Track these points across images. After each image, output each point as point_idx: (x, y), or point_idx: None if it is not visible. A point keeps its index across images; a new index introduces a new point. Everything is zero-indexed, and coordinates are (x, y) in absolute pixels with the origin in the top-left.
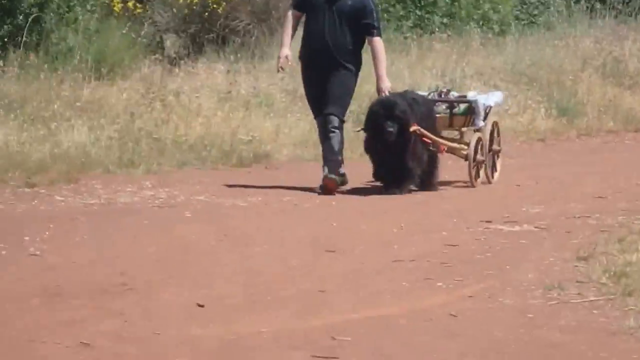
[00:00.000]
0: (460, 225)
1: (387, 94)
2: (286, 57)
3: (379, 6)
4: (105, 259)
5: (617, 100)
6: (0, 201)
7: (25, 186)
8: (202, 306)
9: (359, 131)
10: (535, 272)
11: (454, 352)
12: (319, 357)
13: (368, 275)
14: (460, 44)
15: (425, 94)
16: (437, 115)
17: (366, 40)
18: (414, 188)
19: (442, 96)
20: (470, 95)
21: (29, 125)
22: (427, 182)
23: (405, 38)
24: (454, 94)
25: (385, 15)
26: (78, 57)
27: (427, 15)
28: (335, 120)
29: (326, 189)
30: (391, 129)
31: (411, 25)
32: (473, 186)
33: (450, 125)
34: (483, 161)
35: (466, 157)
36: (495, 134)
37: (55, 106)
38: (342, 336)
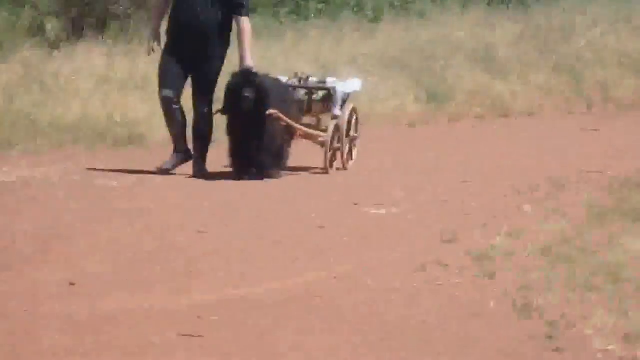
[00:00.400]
0: (329, 207)
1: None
2: (157, 38)
3: None
4: None
5: (486, 87)
6: None
7: None
8: (73, 284)
9: (216, 113)
10: (400, 253)
11: (317, 330)
12: (185, 335)
13: (237, 255)
14: (335, 30)
15: (284, 78)
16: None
17: (234, 20)
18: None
19: (302, 82)
20: (329, 82)
21: None
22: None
23: (281, 24)
24: (313, 80)
25: (261, 1)
26: None
27: (303, 2)
28: (204, 107)
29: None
30: (248, 95)
31: (287, 11)
32: (327, 172)
33: (309, 112)
34: (339, 148)
35: (323, 144)
36: (353, 121)
37: None
38: (209, 315)
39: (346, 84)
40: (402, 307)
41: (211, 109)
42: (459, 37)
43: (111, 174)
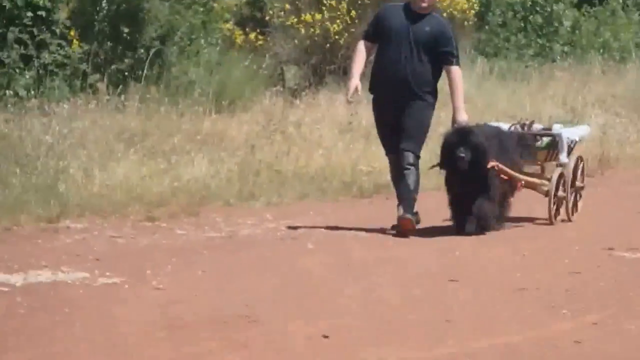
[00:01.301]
0: (583, 252)
1: (464, 122)
2: (356, 87)
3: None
4: (228, 292)
5: None
6: (121, 235)
7: (146, 220)
8: (326, 337)
9: (432, 168)
10: None
11: None
12: None
13: (492, 303)
14: (581, 72)
15: (506, 126)
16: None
17: (444, 70)
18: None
19: (525, 129)
20: (555, 128)
21: (149, 159)
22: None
23: (527, 67)
24: (537, 127)
25: (506, 44)
26: (199, 90)
27: (548, 44)
28: (410, 157)
29: (402, 229)
30: (463, 155)
31: (532, 53)
32: (551, 224)
33: (532, 159)
34: (564, 198)
35: (546, 193)
36: (579, 170)
37: (176, 139)
38: None
39: (572, 130)
40: None
41: (418, 162)
42: None
43: (358, 224)
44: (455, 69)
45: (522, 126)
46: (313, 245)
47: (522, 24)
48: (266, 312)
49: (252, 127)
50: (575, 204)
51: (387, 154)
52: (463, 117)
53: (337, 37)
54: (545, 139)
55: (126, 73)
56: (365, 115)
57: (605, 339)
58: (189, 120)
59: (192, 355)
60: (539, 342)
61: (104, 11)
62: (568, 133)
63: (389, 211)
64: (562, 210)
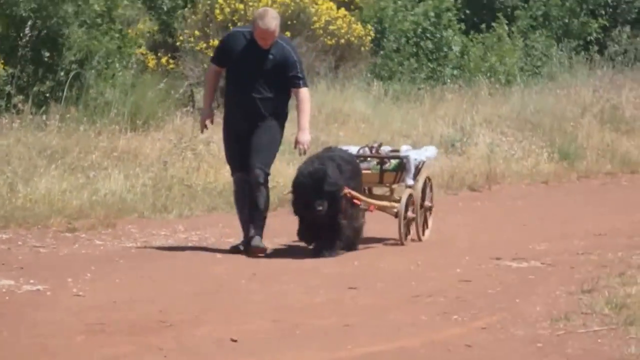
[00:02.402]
0: (473, 262)
1: (306, 147)
2: (210, 116)
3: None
4: (143, 298)
5: (615, 145)
6: (43, 245)
7: (66, 231)
8: (235, 341)
9: (287, 194)
10: (543, 305)
11: None
12: None
13: (390, 309)
14: (469, 94)
15: (356, 149)
16: (367, 172)
17: (292, 92)
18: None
19: (373, 151)
20: (403, 150)
21: (69, 174)
22: (351, 241)
23: (419, 89)
24: (385, 149)
25: (400, 68)
26: (115, 110)
27: (439, 68)
28: (261, 176)
29: (254, 254)
30: (320, 208)
31: (424, 77)
32: (402, 244)
33: (381, 182)
34: (414, 218)
35: (396, 215)
36: (428, 190)
37: (94, 156)
38: None
39: (420, 152)
40: (548, 355)
41: (268, 180)
42: (587, 97)
43: (263, 236)
44: (302, 91)
45: (370, 149)
46: (222, 255)
47: (415, 50)
48: (179, 317)
49: (165, 144)
50: (424, 224)
51: (232, 174)
52: (306, 137)
53: None
54: (394, 161)
55: (47, 94)
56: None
57: (494, 343)
58: (106, 138)
59: (109, 358)
60: (432, 345)
61: (27, 37)
62: (415, 154)
63: (292, 224)
64: (413, 229)
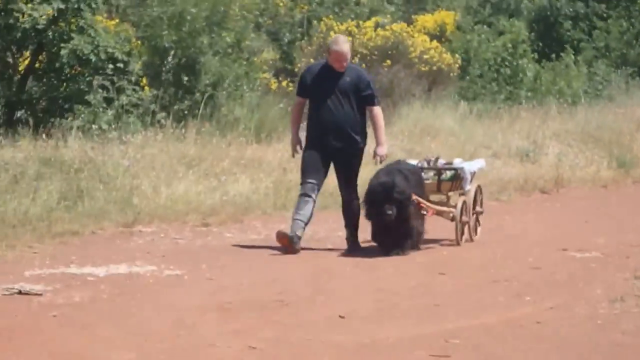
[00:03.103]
0: (542, 252)
1: (383, 159)
2: (299, 142)
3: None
4: (265, 282)
5: None
6: (181, 237)
7: (201, 226)
8: (342, 317)
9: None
10: (602, 289)
11: (540, 351)
12: (434, 355)
13: (472, 292)
14: (541, 112)
15: (414, 162)
16: (427, 182)
17: (367, 110)
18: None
19: (431, 164)
20: (456, 162)
21: (203, 178)
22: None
23: (499, 108)
24: (441, 162)
25: (483, 90)
26: (243, 125)
27: (515, 90)
28: (354, 201)
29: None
30: (390, 212)
31: (503, 98)
32: (458, 244)
33: (438, 190)
34: (467, 222)
35: (453, 219)
36: (478, 197)
37: (224, 163)
38: (453, 339)
39: (472, 164)
40: (607, 330)
41: (357, 197)
42: None
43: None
44: (376, 109)
45: (428, 162)
46: (332, 246)
47: (495, 75)
48: (295, 297)
49: (284, 154)
50: (475, 226)
51: (303, 182)
52: (383, 151)
53: None
54: (449, 172)
55: (186, 112)
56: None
57: (559, 321)
58: (235, 149)
59: (235, 331)
60: (508, 322)
61: (169, 64)
62: (468, 166)
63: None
64: (466, 231)
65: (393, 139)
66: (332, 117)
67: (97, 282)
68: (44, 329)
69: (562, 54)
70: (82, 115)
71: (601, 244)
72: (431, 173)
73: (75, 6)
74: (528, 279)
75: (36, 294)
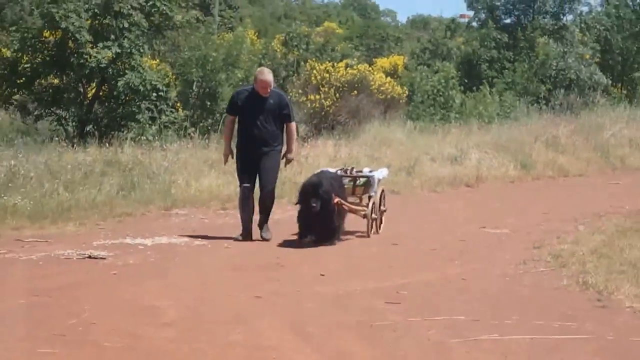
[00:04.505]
0: (466, 229)
1: (291, 160)
2: (231, 152)
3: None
4: (265, 249)
5: (554, 159)
6: (206, 218)
7: (220, 209)
8: (323, 275)
9: (295, 204)
10: (510, 255)
11: (463, 300)
12: (389, 302)
13: (416, 257)
14: (466, 129)
15: (334, 171)
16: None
17: (285, 125)
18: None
19: (347, 172)
20: (365, 171)
21: (222, 175)
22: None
23: (435, 126)
24: (355, 171)
25: (424, 112)
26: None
27: (447, 113)
28: (271, 189)
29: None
30: (315, 205)
31: (438, 118)
32: (368, 236)
33: (353, 194)
34: (375, 218)
35: (364, 216)
36: (383, 199)
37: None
38: (402, 291)
39: (378, 172)
40: (513, 284)
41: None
42: (538, 131)
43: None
44: (292, 125)
45: (345, 171)
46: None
47: (432, 102)
48: (289, 261)
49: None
50: (380, 222)
51: (240, 185)
52: (291, 156)
53: (328, 109)
54: (362, 179)
55: (209, 127)
56: (344, 151)
57: (480, 278)
58: None
59: (247, 285)
60: (442, 279)
61: (196, 92)
62: (377, 174)
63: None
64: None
65: (358, 148)
66: (259, 132)
67: (145, 249)
68: (107, 283)
69: (481, 87)
70: (134, 130)
71: (510, 223)
72: (347, 180)
73: (128, 51)
74: (457, 248)
75: (101, 258)
